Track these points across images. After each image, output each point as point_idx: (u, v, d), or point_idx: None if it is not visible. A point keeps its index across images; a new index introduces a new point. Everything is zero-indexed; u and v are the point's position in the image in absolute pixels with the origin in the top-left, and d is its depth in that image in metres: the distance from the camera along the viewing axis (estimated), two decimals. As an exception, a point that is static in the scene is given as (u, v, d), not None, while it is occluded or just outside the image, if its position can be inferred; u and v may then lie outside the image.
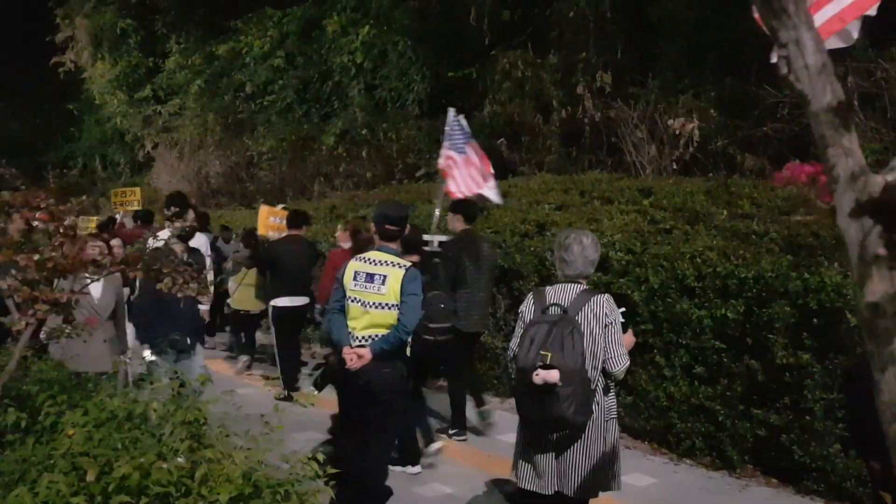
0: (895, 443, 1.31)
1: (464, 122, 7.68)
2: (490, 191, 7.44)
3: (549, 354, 3.49)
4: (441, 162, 7.44)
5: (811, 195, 6.90)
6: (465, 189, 7.28)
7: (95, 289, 5.79)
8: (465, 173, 7.31)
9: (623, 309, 3.87)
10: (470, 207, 6.90)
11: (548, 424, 3.60)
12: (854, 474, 5.21)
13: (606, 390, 3.69)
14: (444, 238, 7.11)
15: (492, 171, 7.54)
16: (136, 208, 12.95)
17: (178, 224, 5.82)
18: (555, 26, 13.44)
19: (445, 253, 6.60)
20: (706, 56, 11.07)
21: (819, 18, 3.69)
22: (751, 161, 9.28)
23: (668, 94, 10.73)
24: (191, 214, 5.98)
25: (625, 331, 3.82)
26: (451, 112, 7.62)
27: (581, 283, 3.79)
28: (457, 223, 6.80)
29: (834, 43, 3.85)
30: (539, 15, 13.76)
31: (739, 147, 9.66)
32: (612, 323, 3.61)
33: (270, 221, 9.00)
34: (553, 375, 3.45)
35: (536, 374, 3.48)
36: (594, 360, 3.60)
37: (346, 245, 8.90)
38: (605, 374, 3.65)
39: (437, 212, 7.52)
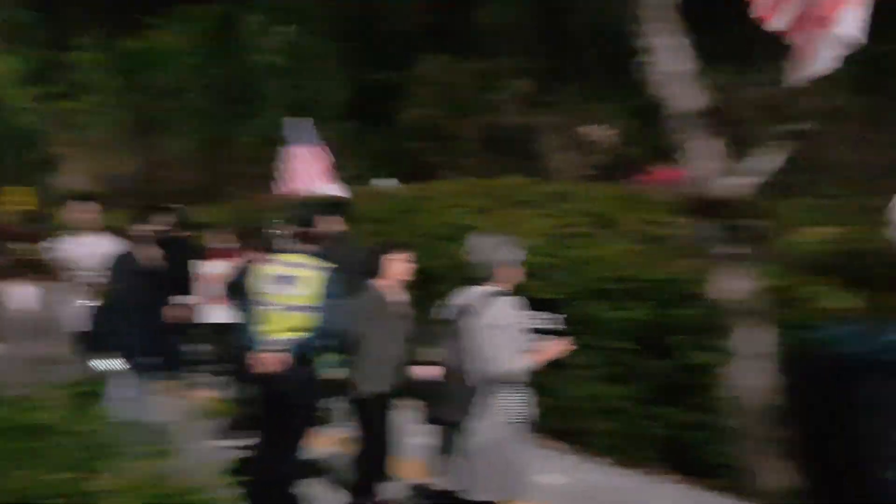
0: (749, 432, 1.37)
1: (308, 127, 8.01)
2: (330, 189, 7.71)
3: (429, 352, 3.56)
4: (282, 169, 7.65)
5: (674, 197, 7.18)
6: (299, 185, 7.53)
7: (22, 298, 5.03)
8: (304, 171, 7.57)
9: (564, 316, 3.93)
10: (345, 209, 6.99)
11: (434, 421, 3.66)
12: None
13: (506, 391, 3.70)
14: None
15: (330, 173, 7.86)
16: (28, 209, 12.41)
17: (149, 227, 5.28)
18: (477, 33, 13.57)
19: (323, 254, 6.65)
20: (624, 64, 11.35)
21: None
22: (662, 167, 9.58)
23: (585, 102, 10.98)
24: (167, 216, 5.31)
25: (553, 337, 3.87)
26: (297, 121, 7.98)
27: (488, 285, 3.82)
28: (334, 224, 6.82)
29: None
30: (462, 21, 13.86)
31: (652, 153, 9.96)
32: (499, 325, 3.64)
33: None
34: (427, 371, 3.52)
35: (413, 371, 3.55)
36: (483, 361, 3.63)
37: (219, 245, 8.73)
38: (498, 375, 3.67)
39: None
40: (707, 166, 1.31)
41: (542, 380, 6.34)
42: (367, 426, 5.11)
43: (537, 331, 3.94)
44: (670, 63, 1.30)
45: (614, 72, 11.37)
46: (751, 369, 1.79)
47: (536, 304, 3.99)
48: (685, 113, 1.29)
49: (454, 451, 3.72)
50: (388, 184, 11.54)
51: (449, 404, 3.54)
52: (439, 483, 3.81)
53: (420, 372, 3.55)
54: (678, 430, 5.81)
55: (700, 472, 5.76)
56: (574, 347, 4.02)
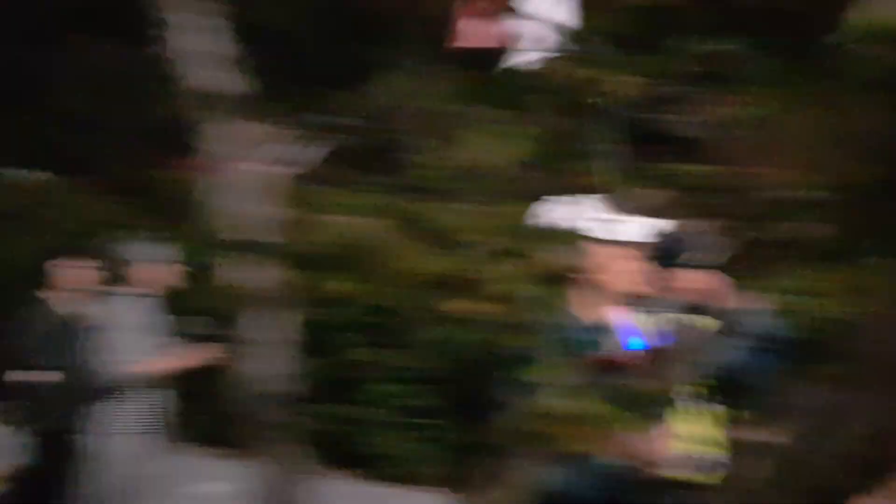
0: (258, 417, 1.46)
1: None
2: None
3: (45, 357, 3.41)
4: None
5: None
6: None
7: None
8: None
9: (217, 320, 3.84)
10: None
11: (52, 432, 3.54)
12: (414, 459, 5.78)
13: (134, 398, 3.53)
14: None
15: None
16: None
17: None
18: (143, 18, 12.78)
19: None
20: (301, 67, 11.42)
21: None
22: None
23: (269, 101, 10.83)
24: None
25: (204, 342, 3.75)
26: None
27: (124, 287, 3.65)
28: None
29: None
30: (125, 5, 12.93)
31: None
32: (124, 328, 3.52)
33: None
34: (39, 377, 3.37)
35: (19, 376, 3.39)
36: (104, 365, 3.47)
37: None
38: (121, 380, 3.51)
39: None
40: (226, 152, 1.33)
41: (200, 386, 6.17)
42: (38, 458, 4.43)
43: (189, 335, 3.82)
44: (189, 42, 1.30)
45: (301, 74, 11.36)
46: (261, 356, 1.92)
47: (190, 308, 3.88)
48: (208, 95, 1.31)
49: (80, 465, 3.49)
50: (30, 176, 10.38)
51: (68, 413, 3.33)
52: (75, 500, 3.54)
53: (29, 378, 3.29)
54: (337, 426, 5.99)
55: (358, 464, 6.00)
56: (224, 353, 3.93)
